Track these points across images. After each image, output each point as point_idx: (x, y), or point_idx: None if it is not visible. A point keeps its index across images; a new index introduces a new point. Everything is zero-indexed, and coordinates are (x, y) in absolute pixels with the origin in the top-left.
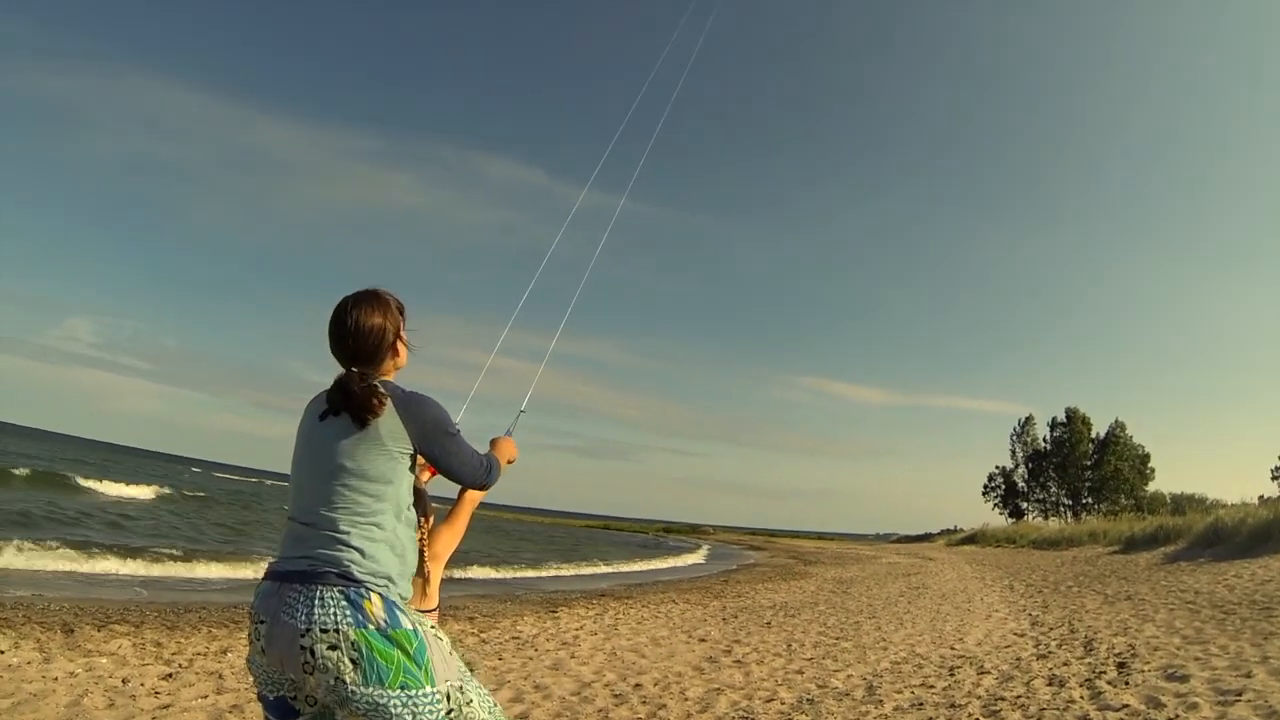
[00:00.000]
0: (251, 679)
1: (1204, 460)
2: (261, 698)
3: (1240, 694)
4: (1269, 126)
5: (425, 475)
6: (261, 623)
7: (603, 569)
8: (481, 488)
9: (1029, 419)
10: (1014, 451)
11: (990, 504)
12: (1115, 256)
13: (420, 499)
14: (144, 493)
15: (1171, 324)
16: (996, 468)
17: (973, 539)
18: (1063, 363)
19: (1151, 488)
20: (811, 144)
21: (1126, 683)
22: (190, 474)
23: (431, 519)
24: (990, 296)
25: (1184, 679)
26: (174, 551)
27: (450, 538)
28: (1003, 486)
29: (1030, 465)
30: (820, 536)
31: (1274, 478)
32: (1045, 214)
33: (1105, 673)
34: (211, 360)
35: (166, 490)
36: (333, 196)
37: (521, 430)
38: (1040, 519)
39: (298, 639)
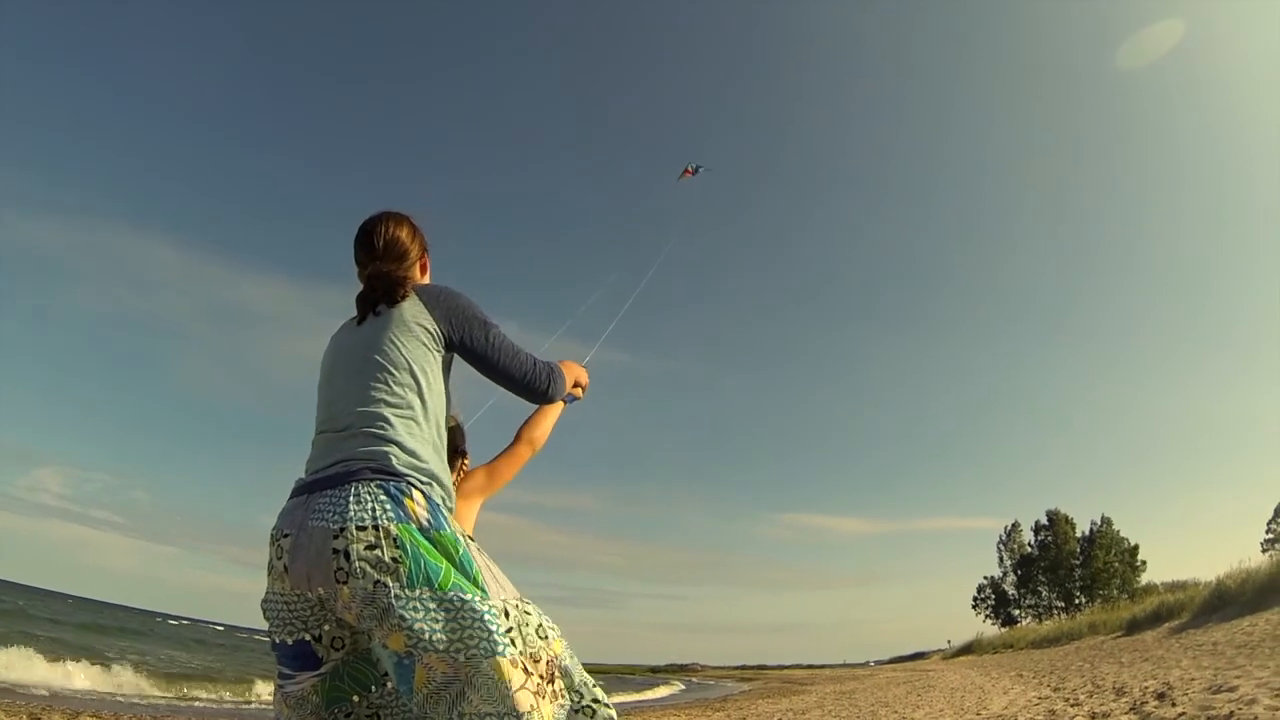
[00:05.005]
0: (266, 625)
1: (1192, 547)
2: (277, 648)
3: None
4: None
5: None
6: (285, 536)
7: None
8: (541, 395)
9: (1014, 525)
10: (1001, 559)
11: (982, 615)
12: (1067, 359)
13: (456, 434)
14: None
15: (1139, 417)
16: (985, 578)
17: (969, 649)
18: (1038, 470)
19: (1144, 579)
20: (763, 279)
21: (1174, 704)
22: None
23: (468, 460)
24: (955, 415)
25: (1233, 689)
26: None
27: (487, 480)
28: (993, 596)
29: (1019, 572)
30: (811, 667)
31: (1264, 550)
32: (992, 330)
33: (1146, 703)
34: (185, 515)
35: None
36: (311, 351)
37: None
38: (1035, 623)
39: (330, 541)
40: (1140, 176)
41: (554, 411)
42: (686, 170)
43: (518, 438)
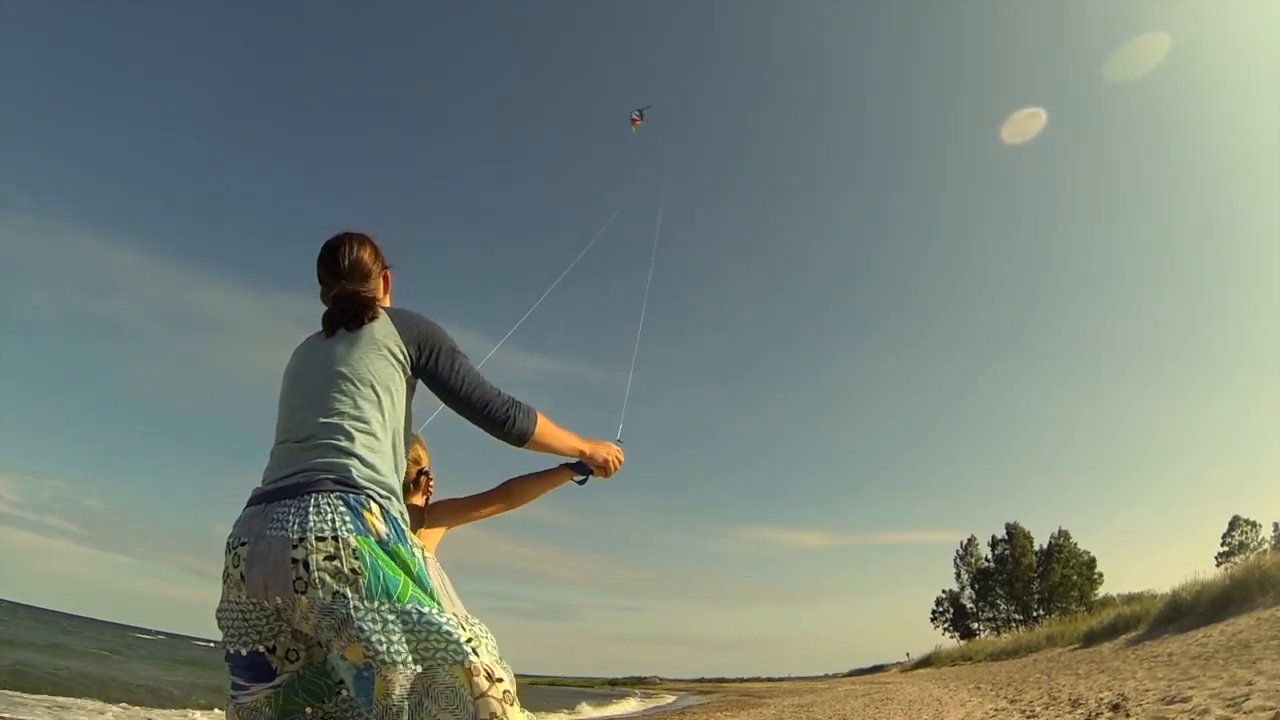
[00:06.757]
0: (220, 634)
1: (1146, 558)
2: (231, 658)
3: (1248, 696)
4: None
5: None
6: (243, 545)
7: (563, 717)
8: (500, 427)
9: (971, 540)
10: (959, 573)
11: (940, 629)
12: (1023, 373)
13: (422, 453)
14: None
15: (1094, 430)
16: (943, 591)
17: (927, 662)
18: (995, 483)
19: (1101, 591)
20: (715, 292)
21: (1128, 714)
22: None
23: (433, 481)
24: (912, 429)
25: (1186, 700)
26: None
27: (462, 513)
28: (951, 610)
29: (976, 585)
30: (770, 680)
31: (1219, 563)
32: (949, 345)
33: (1101, 714)
34: (140, 524)
35: None
36: (268, 358)
37: (472, 596)
38: (993, 636)
39: (288, 551)
40: (1086, 195)
41: (551, 479)
42: (634, 120)
43: (503, 486)
